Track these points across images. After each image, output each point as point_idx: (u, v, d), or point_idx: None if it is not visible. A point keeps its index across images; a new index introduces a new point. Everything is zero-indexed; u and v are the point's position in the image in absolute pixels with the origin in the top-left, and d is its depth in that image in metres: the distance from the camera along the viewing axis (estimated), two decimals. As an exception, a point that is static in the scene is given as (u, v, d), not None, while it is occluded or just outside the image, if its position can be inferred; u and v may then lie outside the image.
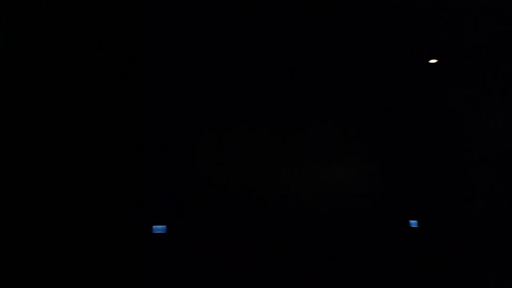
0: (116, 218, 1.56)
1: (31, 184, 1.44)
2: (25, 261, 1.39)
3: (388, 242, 6.92)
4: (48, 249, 1.44)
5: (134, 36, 1.68)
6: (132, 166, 1.62)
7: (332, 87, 7.04)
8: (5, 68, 1.45)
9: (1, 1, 1.45)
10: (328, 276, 3.58)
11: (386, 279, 3.02)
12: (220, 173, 6.59)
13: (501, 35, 5.43)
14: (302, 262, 5.04)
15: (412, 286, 2.77)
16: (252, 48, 6.17)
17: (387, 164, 7.46)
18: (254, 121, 6.97)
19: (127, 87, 1.65)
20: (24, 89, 1.48)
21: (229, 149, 6.78)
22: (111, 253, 1.54)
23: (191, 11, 4.80)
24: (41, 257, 1.43)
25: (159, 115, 6.38)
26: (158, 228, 5.44)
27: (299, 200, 6.94)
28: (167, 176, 6.28)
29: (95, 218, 1.53)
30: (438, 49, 6.06)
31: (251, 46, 6.06)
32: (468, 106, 6.39)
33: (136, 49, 1.68)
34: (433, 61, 5.06)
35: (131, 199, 1.60)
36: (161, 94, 6.55)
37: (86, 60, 1.61)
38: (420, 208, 6.92)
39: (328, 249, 6.26)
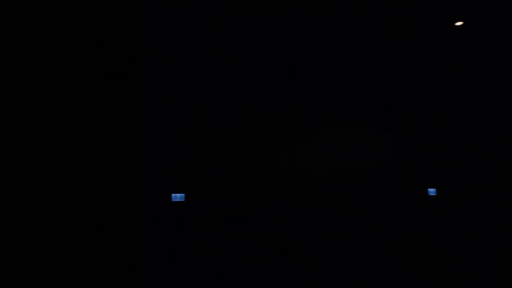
0: (116, 218, 1.56)
1: (31, 184, 1.44)
2: (25, 261, 1.39)
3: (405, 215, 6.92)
4: (48, 249, 1.45)
5: (134, 36, 1.68)
6: (131, 166, 1.62)
7: (354, 64, 7.06)
8: (5, 68, 1.45)
9: (1, 1, 1.45)
10: (345, 243, 3.59)
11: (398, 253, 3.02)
12: (232, 160, 6.59)
13: (501, 35, 5.43)
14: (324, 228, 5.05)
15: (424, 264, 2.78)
16: (252, 47, 6.18)
17: (407, 140, 7.47)
18: (267, 105, 6.98)
19: (127, 87, 1.65)
20: (24, 89, 1.48)
21: (238, 138, 6.80)
22: (111, 253, 1.54)
23: (191, 11, 4.80)
24: (41, 257, 1.43)
25: (160, 113, 6.38)
26: (177, 196, 5.49)
27: (321, 172, 6.98)
28: (172, 173, 6.29)
29: (94, 218, 1.53)
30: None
31: (251, 45, 6.06)
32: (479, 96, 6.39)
33: (136, 49, 1.68)
34: (459, 23, 4.88)
35: (130, 199, 1.61)
36: (165, 93, 6.56)
37: (86, 60, 1.61)
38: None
39: (349, 220, 6.26)
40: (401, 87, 7.64)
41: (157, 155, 6.23)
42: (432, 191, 7.21)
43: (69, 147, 1.53)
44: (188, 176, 6.39)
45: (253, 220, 6.68)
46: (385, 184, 7.57)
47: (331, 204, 7.11)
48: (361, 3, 4.40)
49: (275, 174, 6.81)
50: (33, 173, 1.45)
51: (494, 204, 5.92)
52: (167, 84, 6.61)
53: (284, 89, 7.10)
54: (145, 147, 6.12)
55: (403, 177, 7.58)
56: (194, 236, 5.08)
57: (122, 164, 1.61)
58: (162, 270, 3.16)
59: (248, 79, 7.00)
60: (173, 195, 5.93)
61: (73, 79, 1.57)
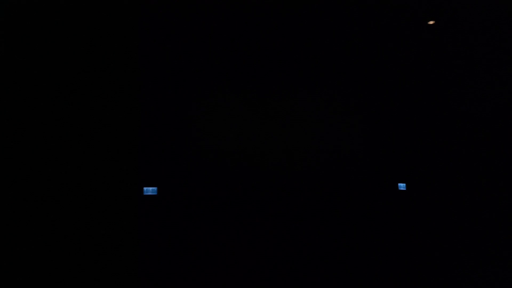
0: (115, 219, 1.57)
1: (31, 184, 1.44)
2: (25, 261, 1.39)
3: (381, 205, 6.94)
4: (48, 248, 1.45)
5: (134, 36, 1.68)
6: (131, 167, 1.62)
7: (325, 48, 7.07)
8: (5, 68, 1.45)
9: (1, 1, 1.45)
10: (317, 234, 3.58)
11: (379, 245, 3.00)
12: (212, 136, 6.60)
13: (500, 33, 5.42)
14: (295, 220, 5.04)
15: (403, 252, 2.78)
16: (240, 20, 6.12)
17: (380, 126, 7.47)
18: (245, 85, 7.00)
19: (127, 86, 1.65)
20: (24, 89, 1.48)
21: (221, 115, 6.81)
22: (110, 254, 1.55)
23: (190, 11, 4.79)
24: (41, 257, 1.43)
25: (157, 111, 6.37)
26: (149, 190, 5.44)
27: (293, 159, 6.99)
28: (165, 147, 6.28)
29: (93, 218, 1.53)
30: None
31: (238, 16, 6.00)
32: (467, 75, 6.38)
33: (135, 47, 1.68)
34: (431, 22, 5.04)
35: (129, 200, 1.61)
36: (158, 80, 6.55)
37: (86, 60, 1.60)
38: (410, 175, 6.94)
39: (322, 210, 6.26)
40: (391, 82, 7.66)
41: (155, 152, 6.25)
42: (402, 185, 7.29)
43: (68, 147, 1.53)
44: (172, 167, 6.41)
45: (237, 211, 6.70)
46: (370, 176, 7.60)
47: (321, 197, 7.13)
48: None
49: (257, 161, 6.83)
50: (33, 173, 1.45)
51: (494, 203, 5.94)
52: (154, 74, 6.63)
53: (260, 72, 7.12)
54: (145, 146, 6.13)
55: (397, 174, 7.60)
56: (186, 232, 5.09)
57: (121, 164, 1.61)
58: (160, 267, 3.16)
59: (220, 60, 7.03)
60: (145, 188, 5.88)
61: (73, 79, 1.57)
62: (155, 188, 6.03)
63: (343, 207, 6.92)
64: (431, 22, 5.03)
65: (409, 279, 2.78)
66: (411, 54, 6.73)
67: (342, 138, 7.22)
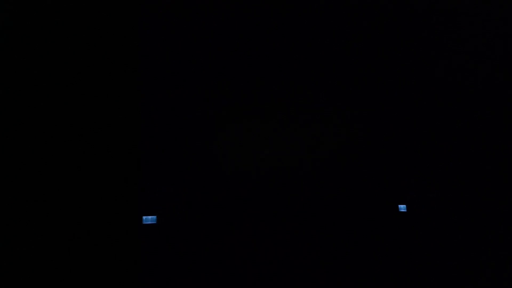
0: (115, 220, 1.56)
1: (31, 185, 1.43)
2: (25, 261, 1.38)
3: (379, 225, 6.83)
4: (49, 250, 1.44)
5: (134, 36, 1.67)
6: (131, 167, 1.61)
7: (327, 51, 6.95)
8: (5, 68, 1.44)
9: (1, 1, 1.44)
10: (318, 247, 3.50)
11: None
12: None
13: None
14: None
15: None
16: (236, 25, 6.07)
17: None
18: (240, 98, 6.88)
19: (127, 86, 1.65)
20: (24, 89, 1.47)
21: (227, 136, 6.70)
22: (110, 255, 1.54)
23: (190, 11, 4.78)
24: (42, 257, 1.42)
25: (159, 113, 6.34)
26: (148, 219, 5.27)
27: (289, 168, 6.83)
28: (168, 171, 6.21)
29: (93, 219, 1.53)
30: None
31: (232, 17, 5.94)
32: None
33: (135, 49, 1.68)
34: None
35: (129, 201, 1.60)
36: (161, 92, 6.52)
37: (85, 60, 1.60)
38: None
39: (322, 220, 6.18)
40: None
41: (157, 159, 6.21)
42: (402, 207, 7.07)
43: (69, 148, 1.52)
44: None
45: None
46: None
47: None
48: None
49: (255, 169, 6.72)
50: (33, 175, 1.44)
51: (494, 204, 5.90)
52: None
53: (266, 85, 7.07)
54: (146, 148, 6.10)
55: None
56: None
57: (121, 165, 1.60)
58: (162, 270, 3.15)
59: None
60: (144, 217, 5.79)
61: (73, 79, 1.57)
62: (154, 217, 5.73)
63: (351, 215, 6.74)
64: None
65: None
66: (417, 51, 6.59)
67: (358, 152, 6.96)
